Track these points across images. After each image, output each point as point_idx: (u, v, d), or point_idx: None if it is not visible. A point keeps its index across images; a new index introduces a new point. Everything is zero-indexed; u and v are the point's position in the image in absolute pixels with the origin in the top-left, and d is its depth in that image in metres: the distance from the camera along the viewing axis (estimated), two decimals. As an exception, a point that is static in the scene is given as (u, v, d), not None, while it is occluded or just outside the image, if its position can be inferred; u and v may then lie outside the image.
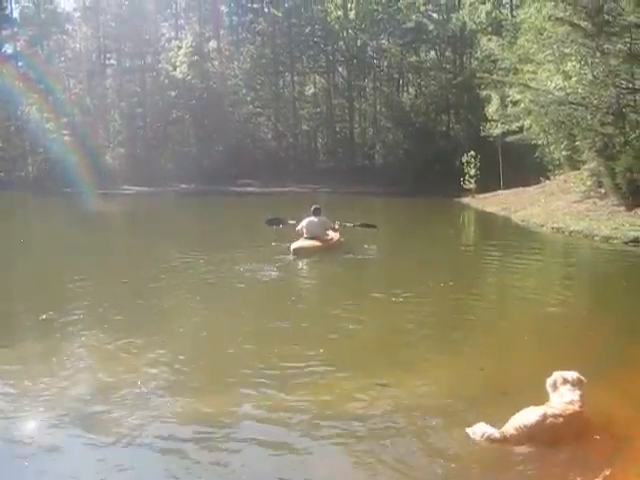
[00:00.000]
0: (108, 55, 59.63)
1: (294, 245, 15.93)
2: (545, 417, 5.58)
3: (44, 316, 10.07)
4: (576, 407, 5.72)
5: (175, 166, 52.78)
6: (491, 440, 5.51)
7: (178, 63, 54.41)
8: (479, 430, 5.60)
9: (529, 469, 5.38)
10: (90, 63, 56.91)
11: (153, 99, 55.66)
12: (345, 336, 9.12)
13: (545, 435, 5.51)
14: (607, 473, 5.12)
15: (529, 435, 5.50)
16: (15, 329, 9.80)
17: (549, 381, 6.01)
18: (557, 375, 6.00)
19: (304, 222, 16.72)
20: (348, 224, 18.07)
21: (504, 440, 5.51)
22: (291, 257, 15.64)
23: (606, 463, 5.30)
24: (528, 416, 5.62)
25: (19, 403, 6.81)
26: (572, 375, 5.97)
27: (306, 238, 16.33)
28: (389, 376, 7.34)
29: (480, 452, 5.55)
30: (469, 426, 5.77)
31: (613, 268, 15.55)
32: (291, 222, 18.07)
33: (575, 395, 5.81)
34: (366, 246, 17.32)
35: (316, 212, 16.91)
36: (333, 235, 17.03)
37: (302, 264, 15.69)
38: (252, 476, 5.46)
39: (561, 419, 5.60)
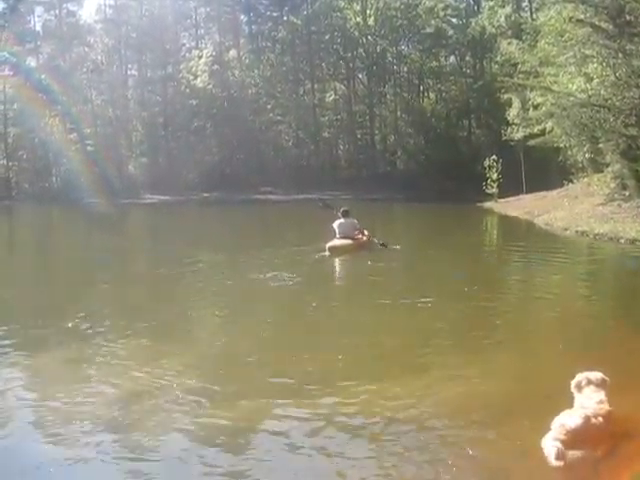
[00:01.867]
0: (129, 66, 60.28)
1: (329, 244, 17.15)
2: (588, 419, 5.50)
3: (70, 324, 10.15)
4: (607, 406, 5.65)
5: (197, 175, 53.13)
6: (562, 454, 5.24)
7: (199, 72, 54.78)
8: (550, 450, 5.30)
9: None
10: (112, 74, 57.48)
11: (174, 108, 56.01)
12: (368, 342, 9.05)
13: (591, 437, 5.42)
14: None
15: (579, 439, 5.37)
16: (42, 336, 9.87)
17: (574, 383, 5.95)
18: (581, 376, 5.94)
19: (335, 224, 17.85)
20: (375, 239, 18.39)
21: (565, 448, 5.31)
22: (327, 254, 16.80)
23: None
24: (573, 420, 5.49)
25: (45, 411, 6.85)
26: (596, 376, 5.91)
27: (339, 238, 17.54)
28: (415, 383, 7.28)
29: (519, 461, 5.47)
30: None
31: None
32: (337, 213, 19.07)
33: (601, 395, 5.75)
34: (389, 251, 17.42)
35: (345, 214, 18.12)
36: (361, 235, 18.04)
37: (325, 268, 16.10)
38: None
39: (600, 419, 5.53)
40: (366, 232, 18.10)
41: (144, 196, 47.13)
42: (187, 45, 61.36)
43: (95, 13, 60.03)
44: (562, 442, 5.29)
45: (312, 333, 9.79)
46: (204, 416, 6.64)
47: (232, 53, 59.60)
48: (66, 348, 9.15)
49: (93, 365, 8.38)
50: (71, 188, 48.42)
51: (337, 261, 16.84)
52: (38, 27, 59.06)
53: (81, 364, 8.42)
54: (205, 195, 47.85)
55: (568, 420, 5.48)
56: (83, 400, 7.08)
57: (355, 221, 18.15)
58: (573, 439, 5.33)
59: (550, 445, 5.30)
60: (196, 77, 55.02)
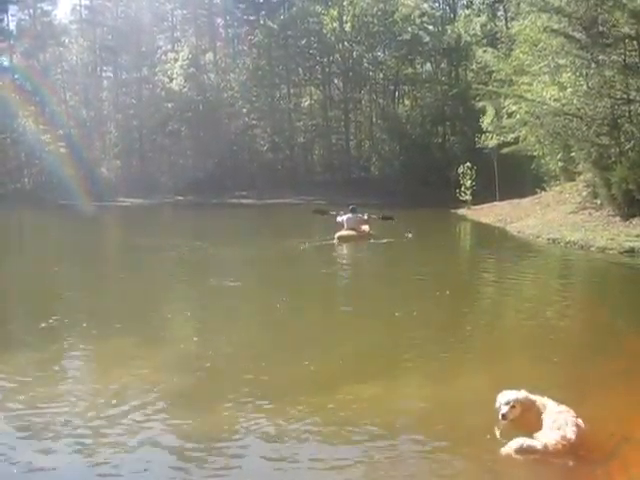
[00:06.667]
0: (104, 67, 60.00)
1: (338, 234, 20.59)
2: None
3: (44, 324, 10.05)
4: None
5: (171, 178, 52.97)
6: (532, 451, 5.28)
7: (174, 75, 54.63)
8: (517, 444, 5.36)
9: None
10: (86, 75, 57.12)
11: (149, 111, 55.75)
12: (341, 348, 9.04)
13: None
14: None
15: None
16: (17, 337, 9.77)
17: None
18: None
19: (344, 217, 21.47)
20: (373, 216, 22.67)
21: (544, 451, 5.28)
22: (336, 242, 20.23)
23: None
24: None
25: (15, 414, 6.75)
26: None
27: (347, 229, 21.00)
28: (388, 390, 7.28)
29: (489, 466, 5.49)
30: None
31: (609, 279, 15.54)
32: (332, 213, 23.07)
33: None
34: (364, 255, 17.76)
35: (353, 210, 21.83)
36: (365, 228, 21.53)
37: (304, 269, 16.28)
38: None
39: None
40: (366, 216, 21.90)
41: (117, 199, 46.81)
42: (163, 47, 61.10)
43: (70, 13, 59.79)
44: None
45: (284, 337, 9.76)
46: (178, 421, 6.55)
47: (208, 56, 59.53)
48: (38, 349, 9.05)
49: (65, 367, 8.32)
50: (44, 190, 48.09)
51: (352, 242, 20.19)
52: (12, 26, 58.52)
53: (53, 366, 8.33)
54: (179, 198, 47.70)
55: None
56: (54, 403, 6.99)
57: (361, 216, 21.70)
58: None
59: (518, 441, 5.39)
60: (172, 80, 54.86)
